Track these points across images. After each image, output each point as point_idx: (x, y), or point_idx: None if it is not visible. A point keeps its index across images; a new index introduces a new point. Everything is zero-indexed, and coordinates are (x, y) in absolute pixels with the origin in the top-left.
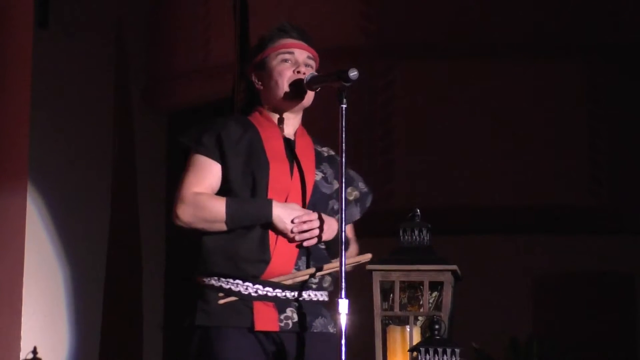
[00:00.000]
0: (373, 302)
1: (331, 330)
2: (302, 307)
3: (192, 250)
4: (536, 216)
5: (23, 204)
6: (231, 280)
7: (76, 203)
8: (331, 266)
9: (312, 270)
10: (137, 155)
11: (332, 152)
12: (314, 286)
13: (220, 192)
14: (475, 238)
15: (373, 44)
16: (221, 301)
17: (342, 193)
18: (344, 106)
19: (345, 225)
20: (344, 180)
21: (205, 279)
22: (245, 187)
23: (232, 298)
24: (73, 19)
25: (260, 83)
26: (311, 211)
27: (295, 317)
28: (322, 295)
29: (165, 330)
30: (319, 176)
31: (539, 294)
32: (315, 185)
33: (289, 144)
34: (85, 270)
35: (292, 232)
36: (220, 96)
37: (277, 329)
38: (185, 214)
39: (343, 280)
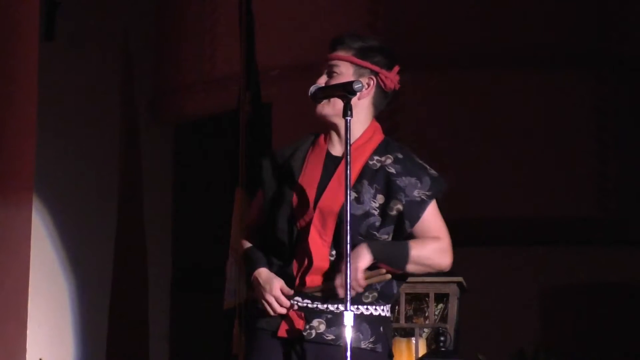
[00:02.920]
0: None
1: (363, 346)
2: (333, 319)
3: None
4: (544, 228)
5: (29, 216)
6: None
7: (82, 215)
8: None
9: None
10: (143, 167)
11: (389, 160)
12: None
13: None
14: (481, 250)
15: None
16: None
17: (347, 202)
18: (349, 118)
19: (352, 234)
20: (349, 189)
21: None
22: (272, 214)
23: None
24: (79, 31)
25: None
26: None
27: (322, 328)
28: (359, 309)
29: (171, 341)
30: (352, 196)
31: (545, 305)
32: (342, 210)
33: (335, 163)
34: (91, 282)
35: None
36: (226, 108)
37: (298, 336)
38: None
39: (348, 292)
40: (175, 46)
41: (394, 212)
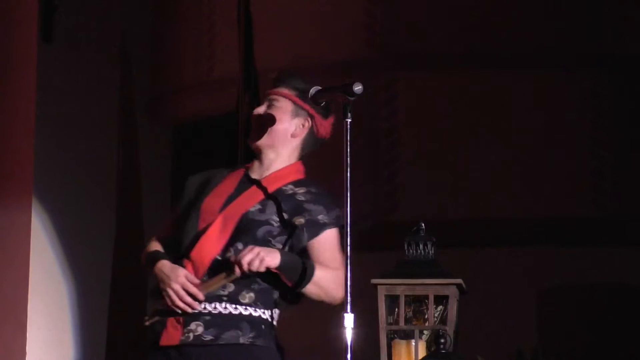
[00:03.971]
0: (378, 316)
1: (241, 341)
2: (212, 320)
3: None
4: (541, 228)
5: (28, 219)
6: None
7: (81, 218)
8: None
9: (221, 277)
10: (141, 169)
11: (301, 191)
12: (225, 298)
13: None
14: (480, 251)
15: (377, 57)
16: (147, 323)
17: (346, 207)
18: (349, 120)
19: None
20: (348, 200)
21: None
22: (182, 223)
23: (155, 318)
24: (77, 33)
25: None
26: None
27: (200, 330)
28: (237, 309)
29: None
30: (255, 207)
31: (544, 306)
32: (245, 215)
33: (251, 183)
34: (91, 285)
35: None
36: (224, 109)
37: (177, 342)
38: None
39: (348, 294)
40: (174, 48)
41: (295, 223)
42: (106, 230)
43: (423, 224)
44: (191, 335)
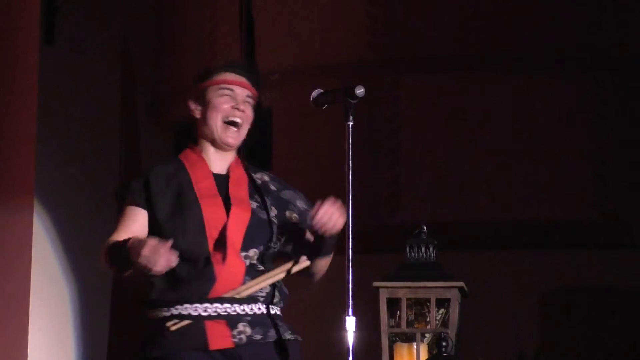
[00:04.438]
0: (380, 319)
1: (288, 337)
2: (254, 320)
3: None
4: (544, 231)
5: (30, 220)
6: (179, 306)
7: (83, 219)
8: (274, 273)
9: (261, 279)
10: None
11: (266, 178)
12: (261, 299)
13: (154, 235)
14: (481, 253)
15: (378, 59)
16: (173, 327)
17: (348, 209)
18: (351, 123)
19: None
20: (350, 202)
21: (154, 312)
22: (177, 228)
23: (184, 322)
24: (79, 35)
25: (198, 111)
26: None
27: (249, 331)
28: (272, 309)
29: None
30: (254, 205)
31: (546, 308)
32: (253, 212)
33: (223, 180)
34: (92, 288)
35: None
36: None
37: (231, 345)
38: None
39: (350, 297)
40: (175, 48)
41: (292, 221)
42: (108, 232)
43: (424, 227)
44: (243, 336)
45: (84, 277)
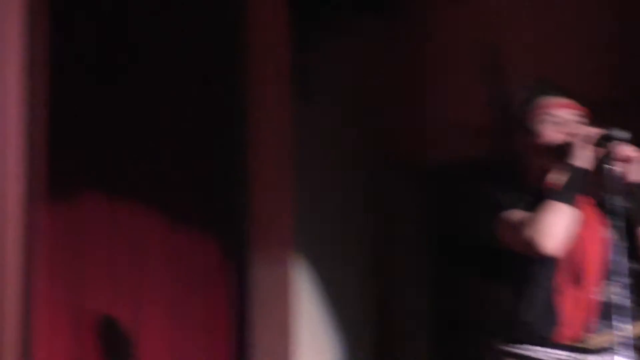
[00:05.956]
0: None
1: None
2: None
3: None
4: None
5: (289, 274)
6: (520, 345)
7: (340, 275)
8: None
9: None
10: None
11: None
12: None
13: None
14: None
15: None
16: None
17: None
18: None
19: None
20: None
21: (500, 346)
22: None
23: None
24: (330, 89)
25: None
26: None
27: None
28: None
29: None
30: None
31: None
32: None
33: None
34: (358, 348)
35: None
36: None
37: None
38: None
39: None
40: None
41: None
42: (363, 281)
43: None
44: None
45: (347, 329)
